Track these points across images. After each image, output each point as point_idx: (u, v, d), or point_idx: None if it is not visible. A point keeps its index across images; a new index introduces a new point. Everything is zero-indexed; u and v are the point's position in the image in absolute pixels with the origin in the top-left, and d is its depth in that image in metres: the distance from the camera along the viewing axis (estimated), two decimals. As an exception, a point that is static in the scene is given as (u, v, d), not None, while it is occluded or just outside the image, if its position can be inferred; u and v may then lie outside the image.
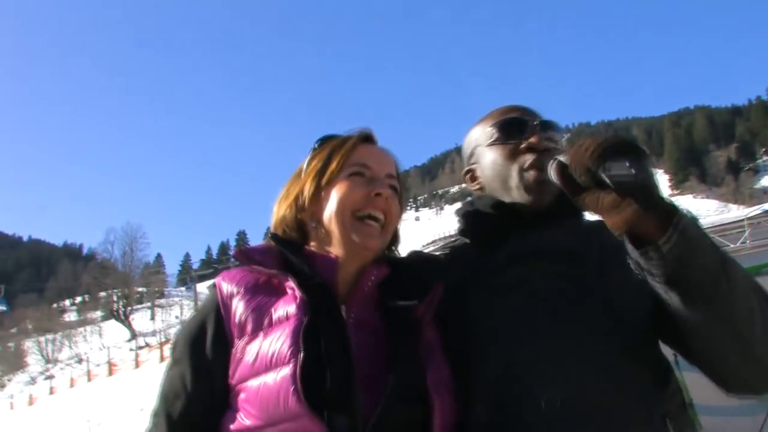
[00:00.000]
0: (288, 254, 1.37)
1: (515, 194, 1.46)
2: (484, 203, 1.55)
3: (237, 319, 1.29)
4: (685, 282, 1.09)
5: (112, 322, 75.52)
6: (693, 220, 1.09)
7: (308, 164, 1.44)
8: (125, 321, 73.60)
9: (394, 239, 1.49)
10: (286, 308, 1.26)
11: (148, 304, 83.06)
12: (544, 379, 1.26)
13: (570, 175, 1.11)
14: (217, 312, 1.32)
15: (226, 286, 1.34)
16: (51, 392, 39.60)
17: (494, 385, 1.30)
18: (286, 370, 1.17)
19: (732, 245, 12.74)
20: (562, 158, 1.13)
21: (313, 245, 1.40)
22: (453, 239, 1.66)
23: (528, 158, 1.46)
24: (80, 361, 62.66)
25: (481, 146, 1.56)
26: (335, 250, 1.36)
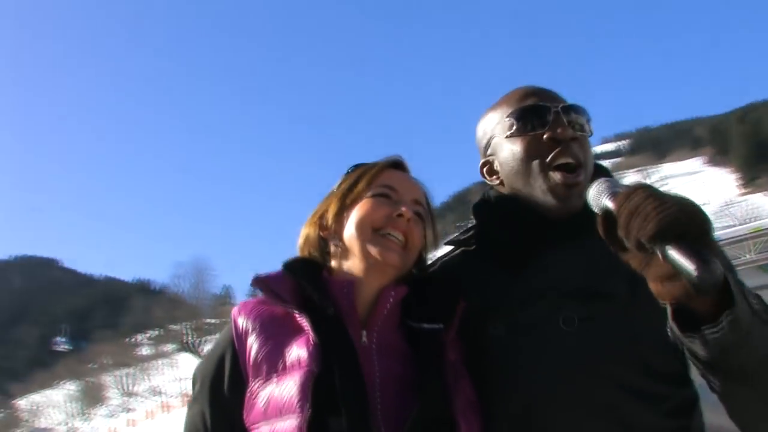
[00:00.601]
0: (300, 281, 1.33)
1: (539, 196, 1.33)
2: (504, 205, 1.41)
3: (252, 359, 1.27)
4: (727, 369, 1.03)
5: (185, 354, 77.35)
6: (747, 309, 0.98)
7: (337, 186, 1.43)
8: (197, 352, 75.17)
9: (420, 266, 1.42)
10: (299, 352, 1.24)
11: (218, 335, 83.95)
12: (561, 429, 1.22)
13: (614, 230, 0.95)
14: (233, 348, 1.30)
15: (242, 321, 1.31)
16: (131, 424, 40.61)
17: (514, 425, 1.25)
18: (294, 422, 1.17)
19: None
20: (609, 203, 0.98)
21: (333, 264, 1.38)
22: (466, 237, 1.51)
23: (552, 153, 1.31)
24: (156, 393, 64.40)
25: (498, 137, 1.41)
26: (354, 266, 1.34)
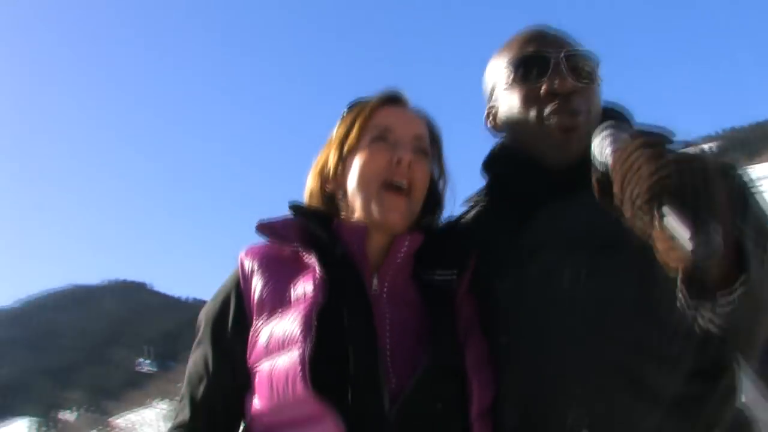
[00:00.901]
0: (309, 223, 1.28)
1: (538, 145, 1.28)
2: (507, 157, 1.36)
3: (256, 299, 1.24)
4: (740, 341, 0.98)
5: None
6: (762, 277, 0.89)
7: (335, 132, 1.37)
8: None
9: (437, 204, 1.37)
10: (304, 286, 1.21)
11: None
12: (572, 395, 1.16)
13: (611, 192, 0.89)
14: (237, 289, 1.27)
15: (248, 263, 1.28)
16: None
17: (522, 391, 1.21)
18: (296, 353, 1.12)
19: None
20: (609, 160, 0.90)
21: (343, 216, 1.34)
22: (480, 196, 1.49)
23: (550, 107, 1.25)
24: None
25: (498, 87, 1.34)
26: (362, 220, 1.30)
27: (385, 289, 1.26)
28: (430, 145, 1.36)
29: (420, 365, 1.15)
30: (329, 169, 1.34)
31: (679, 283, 0.90)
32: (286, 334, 1.16)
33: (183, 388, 1.31)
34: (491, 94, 1.41)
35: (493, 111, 1.41)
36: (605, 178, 0.90)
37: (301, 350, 1.12)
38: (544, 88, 1.25)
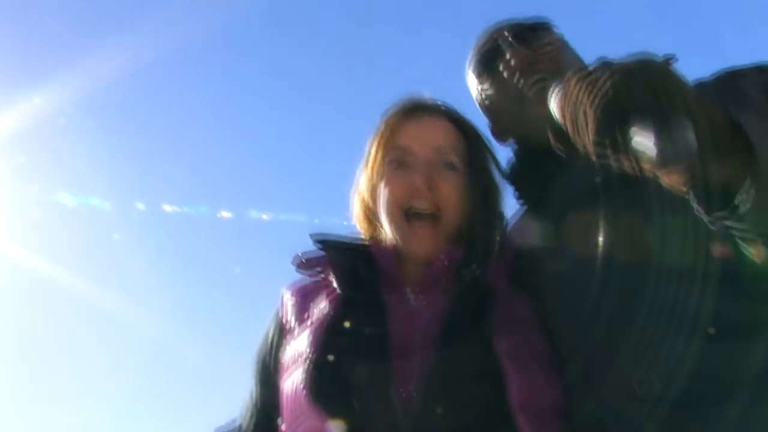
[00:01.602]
0: (329, 249, 1.31)
1: (525, 130, 1.28)
2: (516, 156, 1.40)
3: (288, 326, 1.28)
4: None
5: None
6: None
7: (366, 153, 1.36)
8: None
9: (490, 211, 1.32)
10: (322, 306, 1.23)
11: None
12: (636, 358, 1.05)
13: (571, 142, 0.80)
14: (276, 321, 1.32)
15: (286, 297, 1.33)
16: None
17: (585, 362, 1.12)
18: (301, 366, 1.15)
19: None
20: (554, 106, 0.80)
21: (382, 236, 1.33)
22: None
23: (517, 86, 1.26)
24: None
25: (476, 92, 1.35)
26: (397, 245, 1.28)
27: (422, 301, 1.23)
28: (467, 148, 1.31)
29: (422, 374, 1.10)
30: (365, 194, 1.35)
31: (692, 202, 0.80)
32: (298, 350, 1.19)
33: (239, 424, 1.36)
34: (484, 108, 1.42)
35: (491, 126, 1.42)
36: (560, 131, 0.80)
37: (305, 363, 1.14)
38: (504, 72, 1.28)
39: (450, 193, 1.26)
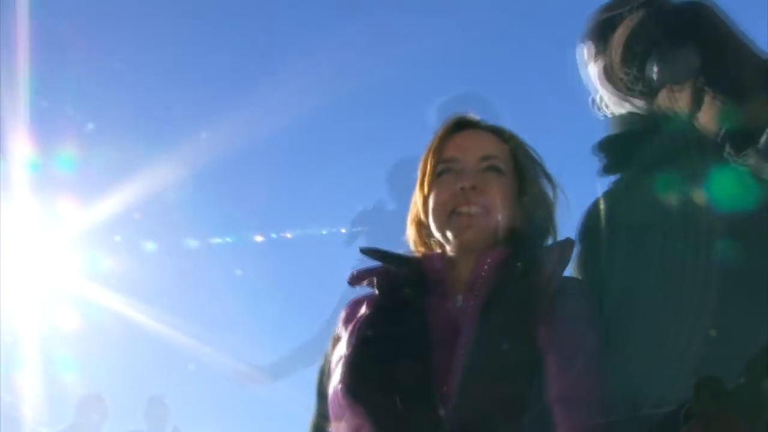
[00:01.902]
0: (377, 258, 1.34)
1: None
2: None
3: (338, 336, 1.29)
4: None
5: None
6: None
7: (420, 170, 1.38)
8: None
9: (540, 216, 1.34)
10: (365, 311, 1.26)
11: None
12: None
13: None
14: (334, 337, 1.33)
15: (344, 312, 1.34)
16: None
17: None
18: (340, 368, 1.17)
19: None
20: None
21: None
22: None
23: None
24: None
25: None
26: (449, 251, 1.30)
27: (471, 304, 1.23)
28: (513, 158, 1.33)
29: (463, 370, 1.12)
30: (419, 210, 1.36)
31: (723, 141, 0.82)
32: (340, 354, 1.21)
33: None
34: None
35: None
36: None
37: (343, 362, 1.16)
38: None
39: (497, 194, 1.28)
